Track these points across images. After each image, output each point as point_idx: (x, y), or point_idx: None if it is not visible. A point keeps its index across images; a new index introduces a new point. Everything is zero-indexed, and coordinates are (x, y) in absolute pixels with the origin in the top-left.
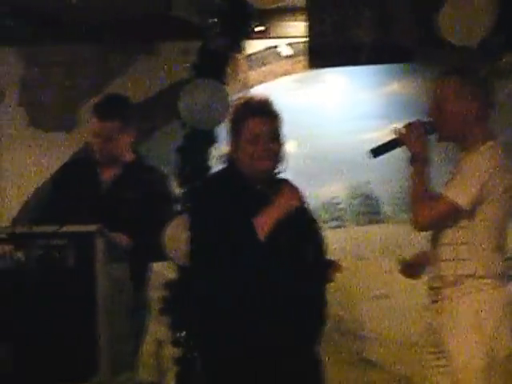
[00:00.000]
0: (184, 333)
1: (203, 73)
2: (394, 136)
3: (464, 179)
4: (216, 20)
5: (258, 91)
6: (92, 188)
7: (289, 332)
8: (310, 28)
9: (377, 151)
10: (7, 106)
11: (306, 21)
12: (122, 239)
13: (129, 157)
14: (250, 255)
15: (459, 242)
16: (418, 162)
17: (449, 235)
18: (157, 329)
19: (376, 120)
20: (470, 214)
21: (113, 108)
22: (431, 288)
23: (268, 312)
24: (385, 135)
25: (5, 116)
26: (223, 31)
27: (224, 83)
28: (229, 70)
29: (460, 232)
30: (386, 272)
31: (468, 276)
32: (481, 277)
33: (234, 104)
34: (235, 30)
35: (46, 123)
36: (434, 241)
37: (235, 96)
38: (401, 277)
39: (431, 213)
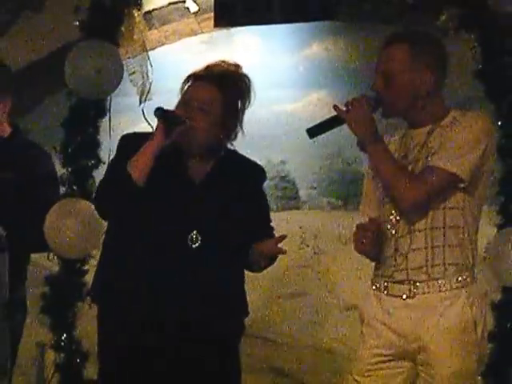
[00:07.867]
0: (65, 335)
1: (93, 33)
2: (333, 113)
3: (458, 150)
4: None
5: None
6: None
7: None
8: None
9: (314, 131)
10: None
11: None
12: None
13: (4, 131)
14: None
15: (447, 225)
16: (372, 142)
17: (425, 219)
18: (37, 330)
19: (293, 89)
20: (463, 190)
21: None
22: (397, 281)
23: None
24: (304, 106)
25: None
26: None
27: (117, 45)
28: (123, 30)
29: (447, 214)
30: (302, 266)
31: (452, 265)
32: (467, 267)
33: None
34: None
35: None
36: (401, 228)
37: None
38: (320, 272)
39: (425, 186)
